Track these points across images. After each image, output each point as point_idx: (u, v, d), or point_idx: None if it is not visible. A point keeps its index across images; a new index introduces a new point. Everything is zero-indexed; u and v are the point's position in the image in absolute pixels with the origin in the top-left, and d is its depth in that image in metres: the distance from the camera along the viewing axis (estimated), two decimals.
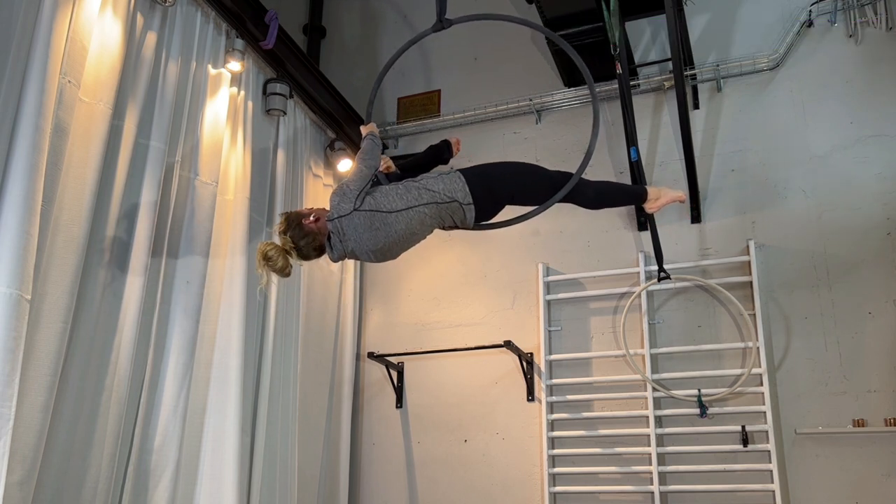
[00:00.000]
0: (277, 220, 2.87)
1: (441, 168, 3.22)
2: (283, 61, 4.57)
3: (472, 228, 3.04)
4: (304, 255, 2.82)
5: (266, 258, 2.74)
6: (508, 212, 3.13)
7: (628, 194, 3.51)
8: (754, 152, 4.79)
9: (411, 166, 3.34)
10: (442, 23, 3.11)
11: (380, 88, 6.00)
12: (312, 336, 4.73)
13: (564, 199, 2.99)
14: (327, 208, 2.86)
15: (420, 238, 2.94)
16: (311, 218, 2.79)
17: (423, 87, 5.83)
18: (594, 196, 3.14)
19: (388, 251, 2.86)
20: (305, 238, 2.78)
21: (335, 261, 2.88)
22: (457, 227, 3.00)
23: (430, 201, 2.82)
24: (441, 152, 3.41)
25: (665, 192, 3.30)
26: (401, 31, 6.13)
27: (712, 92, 5.00)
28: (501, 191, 2.95)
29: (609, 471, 4.54)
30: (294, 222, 2.80)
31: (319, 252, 2.84)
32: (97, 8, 3.28)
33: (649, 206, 3.29)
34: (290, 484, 4.27)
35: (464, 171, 2.93)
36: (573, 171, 3.06)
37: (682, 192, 3.37)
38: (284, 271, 2.77)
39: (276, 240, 2.84)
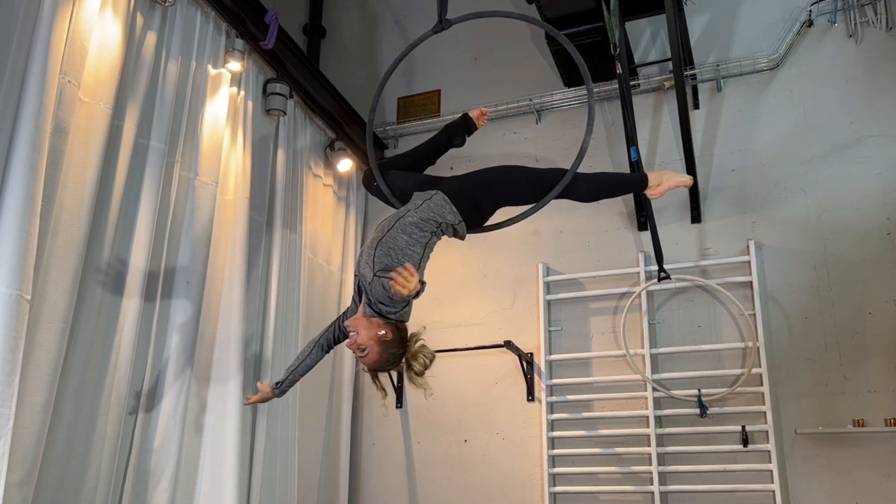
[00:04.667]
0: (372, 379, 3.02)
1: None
2: (283, 61, 4.57)
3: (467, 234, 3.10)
4: (406, 337, 2.98)
5: (422, 367, 2.92)
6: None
7: (626, 184, 3.37)
8: (754, 152, 4.79)
9: (424, 151, 3.27)
10: (442, 24, 3.07)
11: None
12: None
13: (560, 196, 2.92)
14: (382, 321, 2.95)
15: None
16: (381, 333, 2.88)
17: (423, 87, 5.83)
18: (587, 191, 3.01)
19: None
20: (398, 342, 2.93)
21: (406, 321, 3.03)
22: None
23: (431, 230, 2.89)
24: (454, 135, 3.24)
25: (668, 177, 3.03)
26: (400, 31, 6.13)
27: (712, 92, 5.00)
28: (487, 202, 2.95)
29: (609, 471, 4.54)
30: (391, 354, 2.92)
31: (403, 329, 2.99)
32: (97, 8, 3.28)
33: (651, 193, 3.07)
34: (290, 484, 4.27)
35: (446, 191, 2.89)
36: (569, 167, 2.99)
37: (689, 177, 3.13)
38: (429, 360, 2.95)
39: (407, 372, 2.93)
